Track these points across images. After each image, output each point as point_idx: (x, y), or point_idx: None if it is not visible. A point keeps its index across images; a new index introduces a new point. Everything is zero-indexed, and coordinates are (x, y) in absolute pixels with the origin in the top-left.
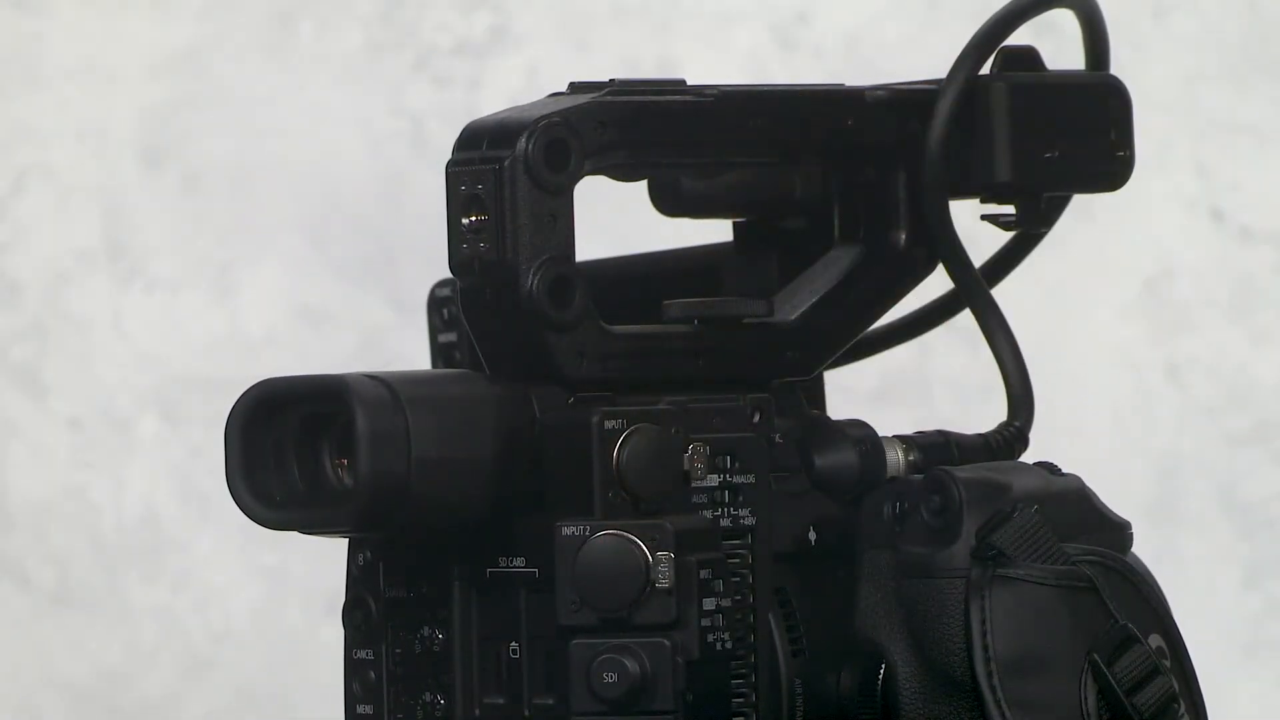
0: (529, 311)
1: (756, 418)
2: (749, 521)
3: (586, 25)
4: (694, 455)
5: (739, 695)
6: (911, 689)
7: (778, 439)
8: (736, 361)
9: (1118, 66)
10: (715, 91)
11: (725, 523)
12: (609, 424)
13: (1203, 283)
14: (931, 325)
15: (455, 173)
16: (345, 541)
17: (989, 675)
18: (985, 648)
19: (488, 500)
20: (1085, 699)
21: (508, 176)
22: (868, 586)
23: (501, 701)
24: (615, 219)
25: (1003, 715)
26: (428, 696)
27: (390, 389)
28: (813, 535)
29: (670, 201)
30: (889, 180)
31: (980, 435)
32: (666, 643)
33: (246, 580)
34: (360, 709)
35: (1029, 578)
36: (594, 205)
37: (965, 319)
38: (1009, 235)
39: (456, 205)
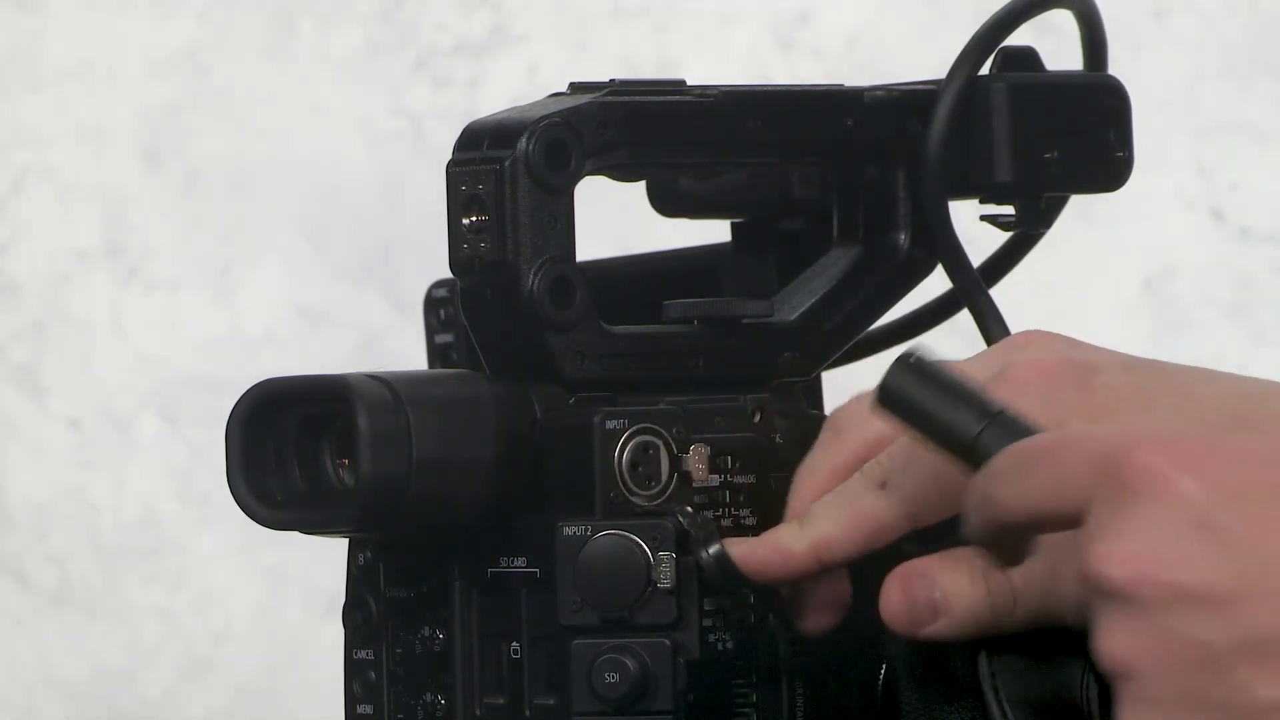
0: (529, 312)
1: (757, 418)
2: (750, 522)
3: (586, 25)
4: (694, 455)
5: (740, 695)
6: (912, 689)
7: (778, 439)
8: (736, 361)
9: (1118, 66)
10: (715, 91)
11: (726, 523)
12: (610, 424)
13: (1203, 283)
14: (931, 325)
15: (455, 173)
16: (345, 541)
17: (990, 675)
18: (986, 647)
19: (489, 500)
20: (1087, 698)
21: (508, 176)
22: (869, 585)
23: (502, 701)
24: (615, 219)
25: (1004, 715)
26: (428, 697)
27: (391, 389)
28: None
29: (669, 202)
30: (888, 180)
31: None
32: (667, 643)
33: (246, 580)
34: (360, 709)
35: None
36: (594, 205)
37: (965, 319)
38: (1007, 235)
39: (457, 205)
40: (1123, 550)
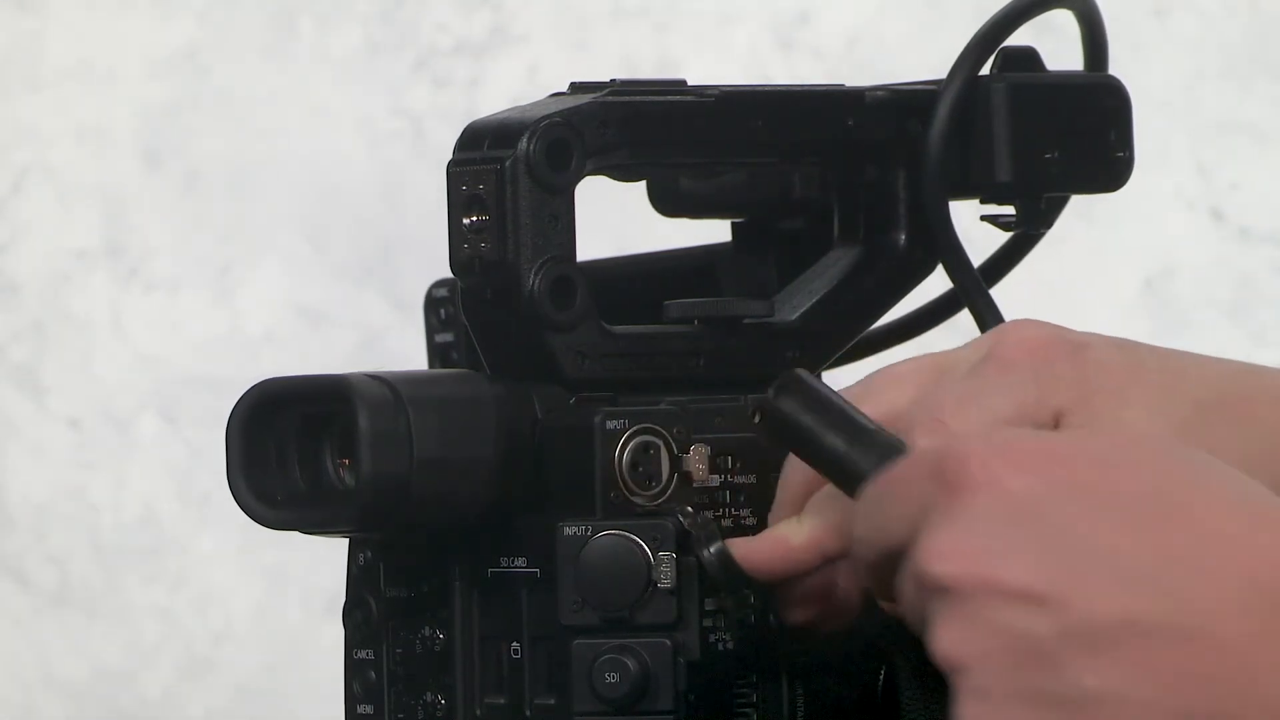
0: (530, 312)
1: (757, 418)
2: (750, 522)
3: (586, 25)
4: (695, 456)
5: (740, 695)
6: (913, 689)
7: None
8: (737, 361)
9: (1118, 66)
10: (716, 92)
11: (726, 523)
12: (611, 424)
13: (1203, 283)
14: (931, 325)
15: (456, 172)
16: (345, 541)
17: None
18: None
19: (489, 500)
20: None
21: (509, 176)
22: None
23: (503, 701)
24: (615, 219)
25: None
26: (429, 696)
27: (392, 389)
28: None
29: (669, 202)
30: (889, 180)
31: None
32: (668, 643)
33: (246, 580)
34: (361, 709)
35: None
36: (594, 205)
37: (965, 319)
38: (1007, 235)
39: (458, 205)
40: (948, 546)
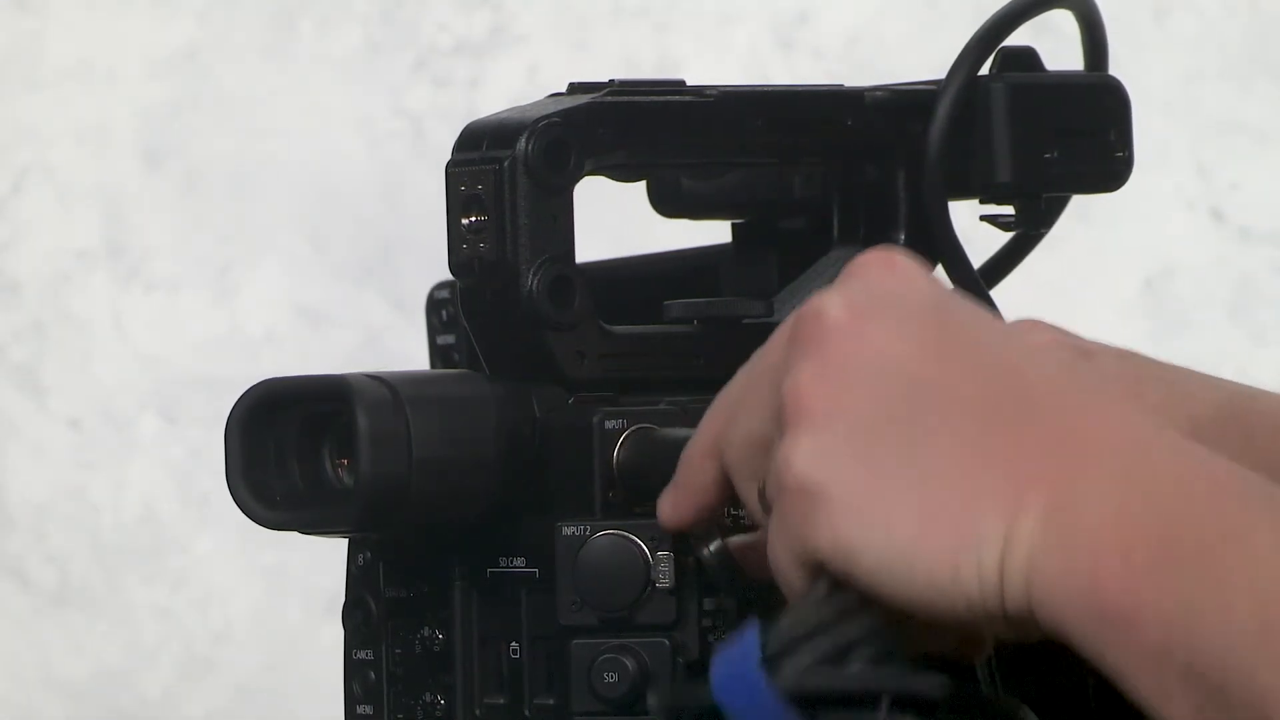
0: (529, 312)
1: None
2: (751, 521)
3: (586, 25)
4: None
5: None
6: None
7: None
8: (737, 362)
9: (1118, 66)
10: (715, 92)
11: (726, 522)
12: (609, 424)
13: (1203, 283)
14: None
15: (455, 173)
16: (345, 541)
17: (991, 674)
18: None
19: (488, 500)
20: (1089, 694)
21: (508, 177)
22: None
23: (502, 701)
24: (614, 219)
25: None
26: (428, 697)
27: (391, 389)
28: None
29: (669, 202)
30: (889, 180)
31: None
32: (667, 643)
33: (246, 580)
34: (360, 709)
35: None
36: (593, 205)
37: None
38: (1008, 235)
39: (456, 205)
40: (840, 299)
